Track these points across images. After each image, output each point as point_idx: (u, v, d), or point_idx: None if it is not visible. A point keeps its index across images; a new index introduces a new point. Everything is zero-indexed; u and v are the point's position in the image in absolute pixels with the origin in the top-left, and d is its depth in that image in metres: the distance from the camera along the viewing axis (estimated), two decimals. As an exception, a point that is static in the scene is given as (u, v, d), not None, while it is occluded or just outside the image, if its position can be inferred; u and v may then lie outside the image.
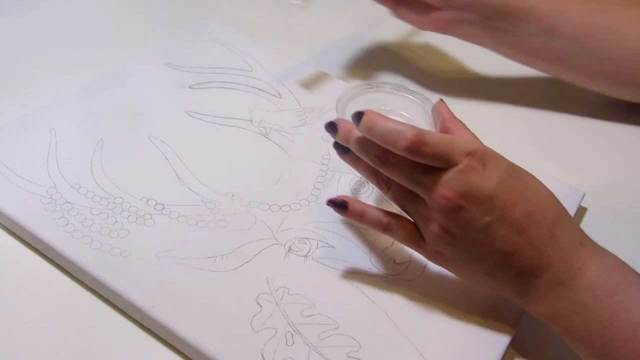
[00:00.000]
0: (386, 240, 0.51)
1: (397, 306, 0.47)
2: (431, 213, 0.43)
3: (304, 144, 0.60)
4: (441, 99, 0.49)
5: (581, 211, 0.58)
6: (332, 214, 0.53)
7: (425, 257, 0.46)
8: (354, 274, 0.49)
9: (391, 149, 0.42)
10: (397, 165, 0.43)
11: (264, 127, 0.61)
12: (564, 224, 0.43)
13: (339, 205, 0.47)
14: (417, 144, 0.41)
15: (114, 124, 0.60)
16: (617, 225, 0.58)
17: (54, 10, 0.77)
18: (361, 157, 0.45)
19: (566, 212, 0.44)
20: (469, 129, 0.47)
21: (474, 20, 0.63)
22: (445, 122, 0.47)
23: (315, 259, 0.50)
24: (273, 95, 0.65)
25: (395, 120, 0.42)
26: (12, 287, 0.48)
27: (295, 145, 0.60)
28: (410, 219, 0.46)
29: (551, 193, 0.43)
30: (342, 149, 0.47)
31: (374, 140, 0.43)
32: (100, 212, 0.51)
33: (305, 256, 0.50)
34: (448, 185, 0.41)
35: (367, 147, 0.44)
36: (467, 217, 0.41)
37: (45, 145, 0.56)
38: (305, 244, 0.51)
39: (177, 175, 0.55)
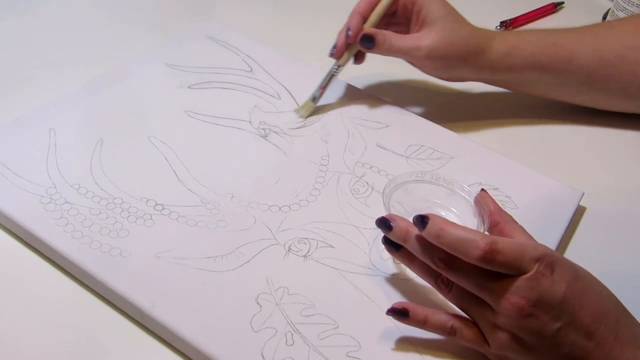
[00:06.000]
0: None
1: (396, 306, 0.47)
2: (499, 320, 0.41)
3: (303, 145, 0.60)
4: (483, 189, 0.50)
5: (580, 210, 0.58)
6: (332, 214, 0.53)
7: (489, 358, 0.45)
8: (353, 274, 0.49)
9: (462, 257, 0.40)
10: (464, 270, 0.41)
11: (263, 129, 0.61)
12: (625, 321, 0.42)
13: (400, 312, 0.44)
14: (491, 253, 0.39)
15: (114, 124, 0.60)
16: (615, 224, 0.58)
17: (54, 11, 0.77)
18: (420, 258, 0.44)
19: (624, 307, 0.43)
20: (517, 222, 0.47)
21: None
22: (493, 215, 0.47)
23: (314, 259, 0.50)
24: (272, 96, 0.65)
25: (464, 228, 0.41)
26: (11, 287, 0.48)
27: (294, 146, 0.60)
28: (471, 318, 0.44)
29: (609, 291, 0.43)
30: (394, 246, 0.45)
31: (442, 247, 0.41)
32: (100, 212, 0.51)
33: (304, 256, 0.50)
34: (519, 293, 0.40)
35: (430, 251, 0.42)
36: (537, 325, 0.40)
37: (45, 145, 0.56)
38: (305, 244, 0.51)
39: (177, 175, 0.55)
